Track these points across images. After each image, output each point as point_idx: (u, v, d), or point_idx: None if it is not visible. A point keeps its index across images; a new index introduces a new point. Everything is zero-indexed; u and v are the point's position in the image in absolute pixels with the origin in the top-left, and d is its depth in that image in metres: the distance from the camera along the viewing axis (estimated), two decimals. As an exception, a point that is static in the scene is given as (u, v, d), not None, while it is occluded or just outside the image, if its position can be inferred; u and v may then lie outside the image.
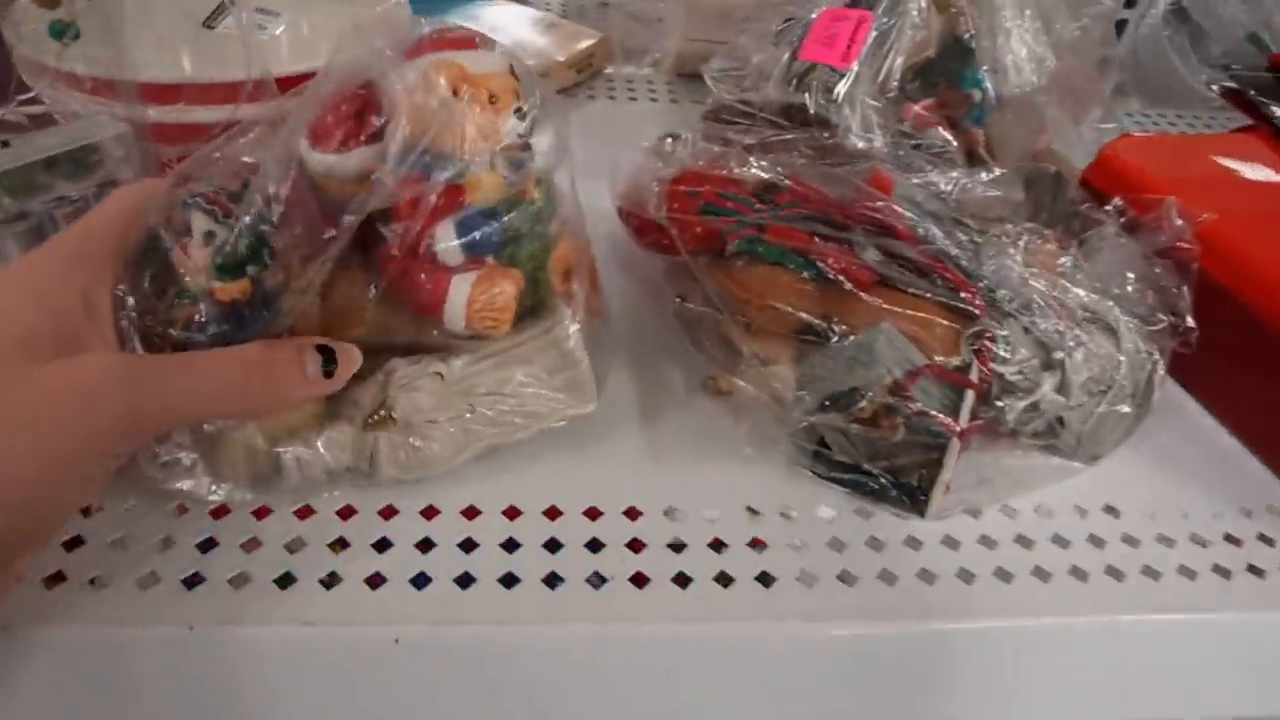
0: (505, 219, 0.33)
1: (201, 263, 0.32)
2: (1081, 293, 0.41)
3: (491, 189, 0.32)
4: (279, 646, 0.31)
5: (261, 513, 0.35)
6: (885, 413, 0.35)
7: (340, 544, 0.34)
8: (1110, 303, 0.40)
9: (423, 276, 0.33)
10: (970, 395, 0.36)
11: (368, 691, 0.32)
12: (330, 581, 0.33)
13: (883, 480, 0.37)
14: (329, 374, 0.32)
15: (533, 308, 0.35)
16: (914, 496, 0.37)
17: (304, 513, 0.35)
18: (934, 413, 0.35)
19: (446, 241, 0.32)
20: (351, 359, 0.33)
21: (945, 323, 0.38)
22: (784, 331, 0.39)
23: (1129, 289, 0.42)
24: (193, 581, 0.32)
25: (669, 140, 0.46)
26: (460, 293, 0.33)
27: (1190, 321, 0.41)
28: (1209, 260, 0.43)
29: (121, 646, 0.31)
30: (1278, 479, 0.42)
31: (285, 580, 0.33)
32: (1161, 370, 0.40)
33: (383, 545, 0.34)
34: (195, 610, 0.31)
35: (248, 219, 0.31)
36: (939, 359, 0.37)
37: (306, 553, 0.34)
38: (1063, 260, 0.43)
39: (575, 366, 0.36)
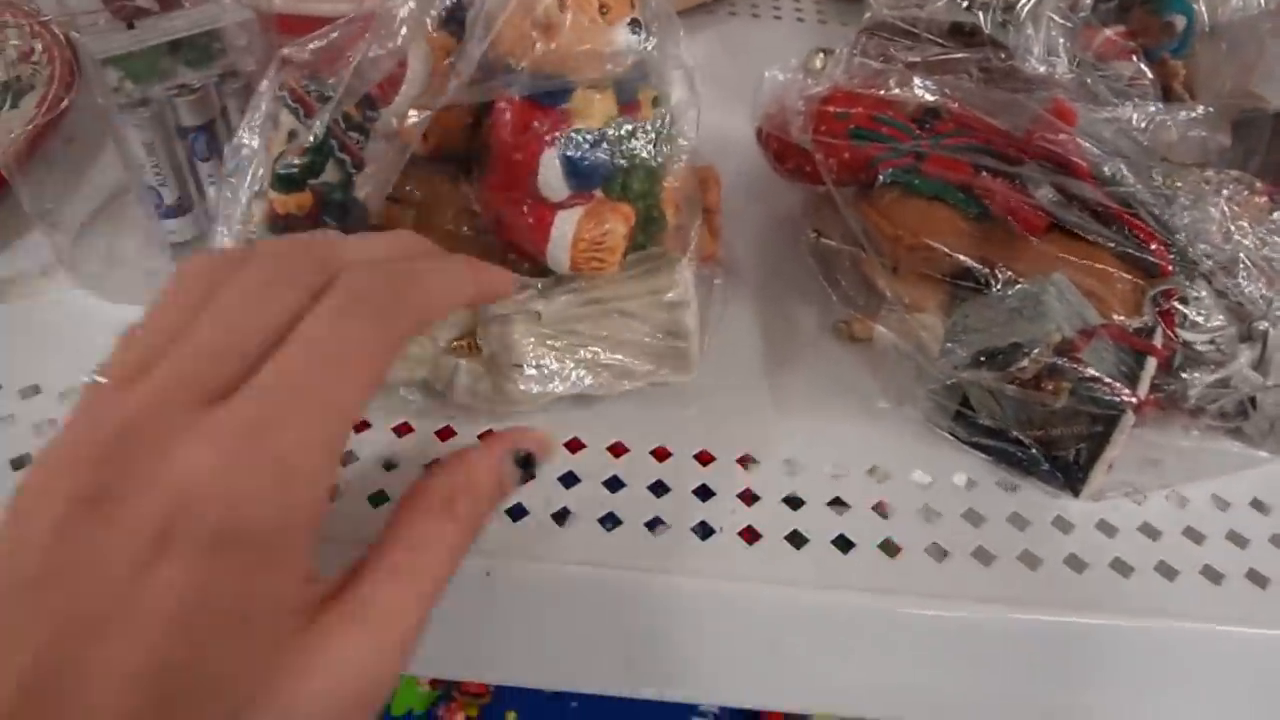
0: (617, 147, 0.29)
1: None
2: (1297, 254, 0.35)
3: (601, 112, 0.29)
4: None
5: (361, 427, 0.33)
6: (1049, 375, 0.30)
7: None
8: (1331, 267, 0.34)
9: (525, 210, 0.30)
10: (1152, 363, 0.31)
11: (457, 624, 0.30)
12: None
13: (1034, 450, 0.33)
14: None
15: (643, 244, 0.32)
16: (1069, 472, 0.33)
17: (402, 429, 0.34)
18: (1108, 379, 0.30)
19: (550, 173, 0.29)
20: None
21: (1129, 278, 0.33)
22: (935, 275, 0.35)
23: (1354, 255, 0.36)
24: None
25: (820, 55, 0.42)
26: (565, 231, 0.29)
27: None
28: None
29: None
30: None
31: (378, 498, 0.31)
32: (1386, 353, 0.34)
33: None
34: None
35: (319, 128, 0.29)
36: (1118, 318, 0.32)
37: (400, 472, 0.32)
38: (1276, 216, 0.36)
39: (683, 337, 0.33)
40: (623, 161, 0.30)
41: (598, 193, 0.30)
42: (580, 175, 0.29)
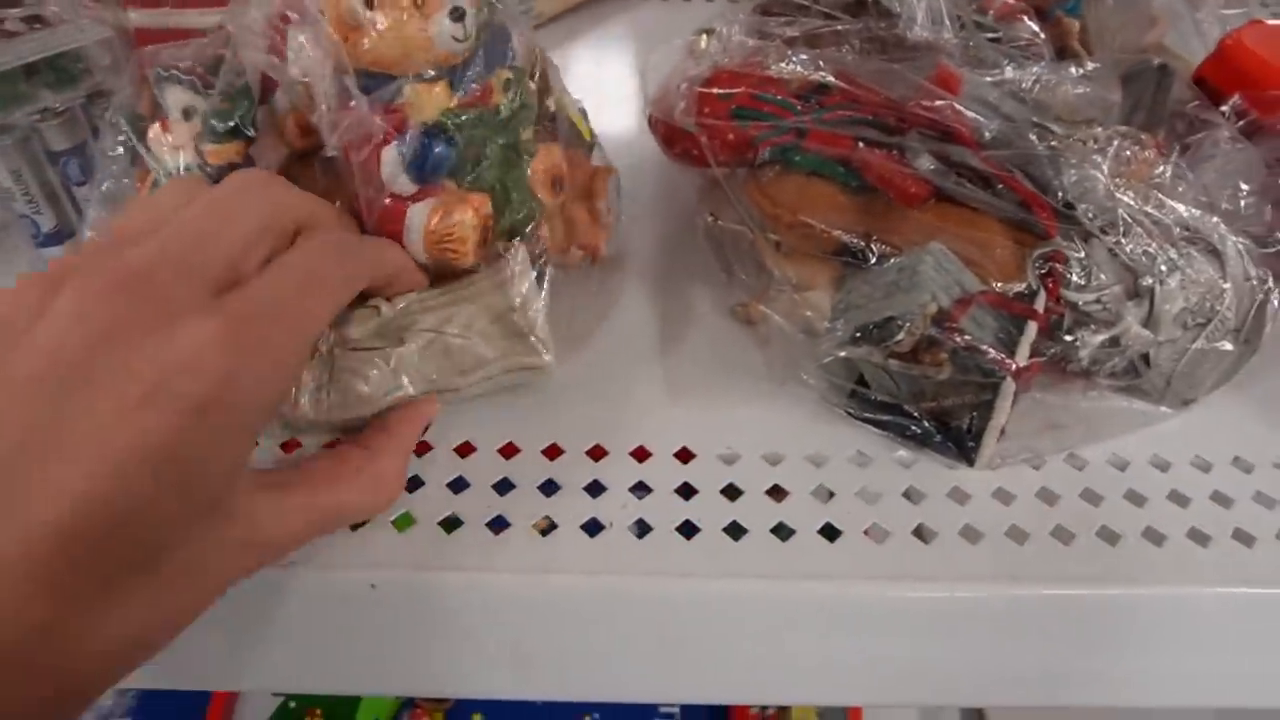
0: (458, 137, 0.29)
1: (185, 136, 0.30)
2: (1181, 208, 0.34)
3: (434, 104, 0.29)
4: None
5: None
6: (928, 346, 0.30)
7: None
8: (1216, 219, 0.34)
9: (385, 206, 0.29)
10: (1032, 327, 0.31)
11: (351, 634, 0.30)
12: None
13: (926, 423, 0.32)
14: None
15: (517, 228, 0.31)
16: (962, 443, 0.32)
17: (291, 446, 0.33)
18: (985, 347, 0.30)
19: (391, 169, 0.29)
20: None
21: (1011, 243, 0.33)
22: (821, 253, 0.35)
23: (1241, 203, 0.35)
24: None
25: (704, 36, 0.41)
26: (416, 224, 0.29)
27: (1317, 242, 0.34)
28: (1346, 169, 0.36)
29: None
30: None
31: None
32: (1277, 301, 0.34)
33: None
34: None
35: (235, 78, 0.29)
36: (999, 285, 0.32)
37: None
38: (1161, 169, 0.36)
39: (523, 319, 0.31)
40: (467, 149, 0.30)
41: (449, 183, 0.30)
42: (420, 169, 0.29)
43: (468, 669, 0.31)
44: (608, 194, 0.37)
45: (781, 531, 0.31)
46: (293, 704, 0.75)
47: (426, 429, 0.32)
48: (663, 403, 0.35)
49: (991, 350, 0.30)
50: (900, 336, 0.30)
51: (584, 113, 0.38)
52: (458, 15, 0.27)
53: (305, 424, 0.31)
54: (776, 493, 0.32)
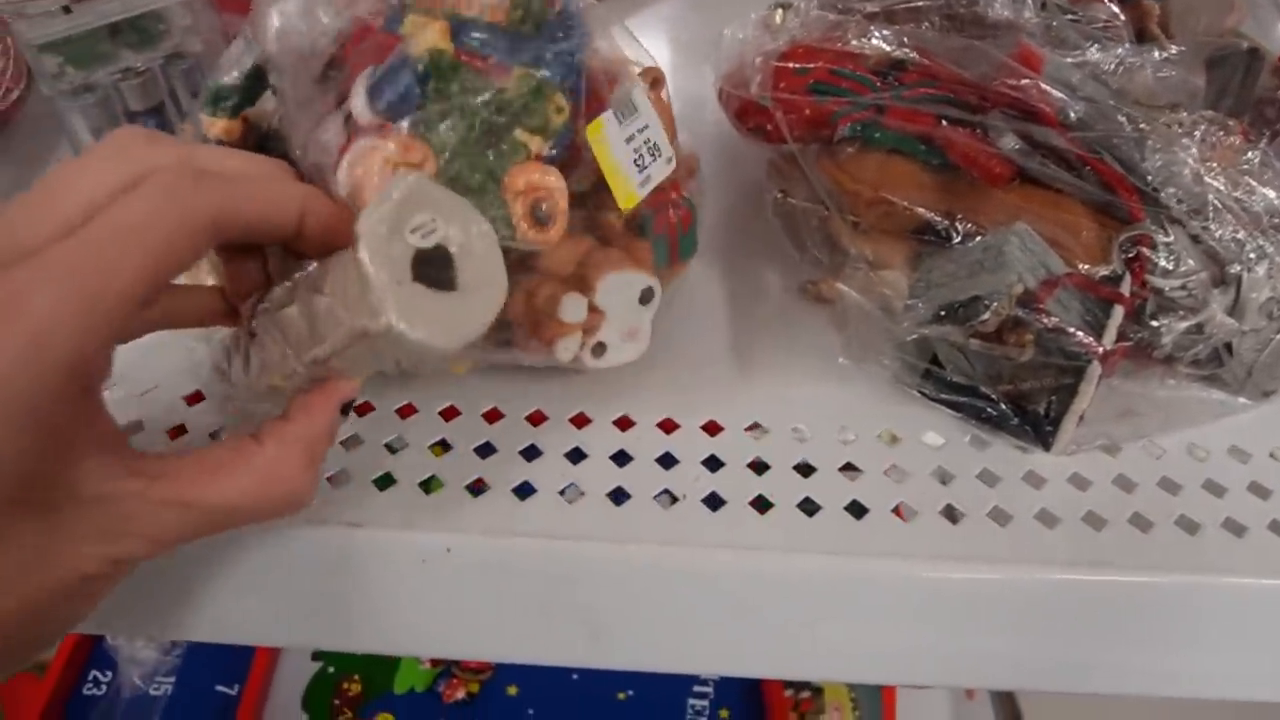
0: (429, 84, 0.27)
1: None
2: (1272, 194, 0.34)
3: (426, 41, 0.27)
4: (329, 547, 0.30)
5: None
6: (1012, 327, 0.30)
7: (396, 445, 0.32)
8: (1307, 207, 0.33)
9: (344, 138, 0.27)
10: (1119, 311, 0.30)
11: (418, 598, 0.30)
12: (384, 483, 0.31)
13: (1003, 406, 0.32)
14: None
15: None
16: (1039, 426, 0.32)
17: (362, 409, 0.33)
18: (1072, 329, 0.29)
19: (357, 92, 0.27)
20: None
21: (1096, 226, 0.33)
22: (899, 231, 0.34)
23: (1333, 191, 0.35)
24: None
25: (779, 10, 0.40)
26: (347, 160, 0.27)
27: None
28: None
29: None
30: None
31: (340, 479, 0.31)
32: (1365, 292, 0.33)
33: (444, 446, 0.32)
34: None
35: (238, 54, 0.29)
36: (1085, 268, 0.31)
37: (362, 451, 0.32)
38: (1249, 156, 0.35)
39: (366, 257, 0.24)
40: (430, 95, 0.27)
41: (405, 129, 0.27)
42: (375, 96, 0.27)
43: (536, 635, 0.31)
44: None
45: (855, 509, 0.31)
46: (331, 669, 0.76)
47: (348, 411, 0.27)
48: (733, 378, 0.35)
49: (1079, 333, 0.29)
50: (986, 316, 0.29)
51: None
52: None
53: (248, 397, 0.29)
54: (849, 471, 0.32)
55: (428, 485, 0.31)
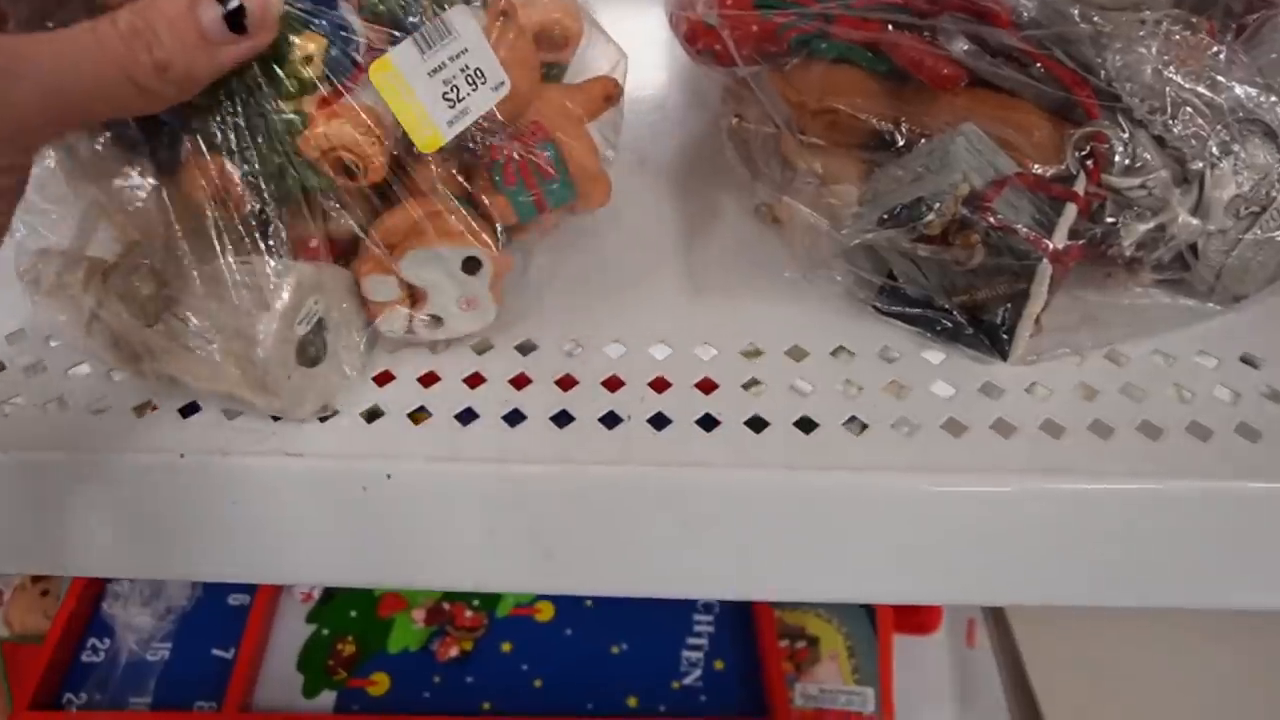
0: None
1: None
2: (1237, 88, 0.32)
3: None
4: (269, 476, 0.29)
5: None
6: (959, 229, 0.29)
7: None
8: (1274, 99, 0.32)
9: None
10: (1071, 209, 0.29)
11: (360, 526, 0.30)
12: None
13: (957, 317, 0.31)
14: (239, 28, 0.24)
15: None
16: (995, 336, 0.31)
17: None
18: (1020, 228, 0.28)
19: None
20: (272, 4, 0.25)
21: (1050, 126, 0.31)
22: (849, 143, 0.33)
23: (1301, 84, 0.33)
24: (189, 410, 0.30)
25: (728, -75, 0.39)
26: None
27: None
28: None
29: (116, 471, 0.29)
30: None
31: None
32: (1337, 187, 0.32)
33: (383, 379, 0.31)
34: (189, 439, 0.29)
35: None
36: (1036, 169, 0.30)
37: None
38: (1215, 53, 0.34)
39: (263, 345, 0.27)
40: None
41: None
42: None
43: (485, 560, 0.30)
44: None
45: (804, 425, 0.30)
46: (325, 631, 0.77)
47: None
48: (684, 299, 0.34)
49: (1026, 231, 0.28)
50: (930, 218, 0.28)
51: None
52: None
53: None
54: (799, 388, 0.31)
55: (370, 415, 0.30)
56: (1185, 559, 0.30)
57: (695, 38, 0.38)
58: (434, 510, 0.29)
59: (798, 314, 0.33)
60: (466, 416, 0.30)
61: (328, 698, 0.73)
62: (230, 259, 0.27)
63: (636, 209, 0.36)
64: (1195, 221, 0.31)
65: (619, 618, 0.80)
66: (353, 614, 0.78)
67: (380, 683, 0.74)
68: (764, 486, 0.29)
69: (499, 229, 0.30)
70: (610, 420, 0.30)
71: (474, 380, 0.31)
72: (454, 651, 0.76)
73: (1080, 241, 0.29)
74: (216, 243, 0.27)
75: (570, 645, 0.77)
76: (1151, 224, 0.31)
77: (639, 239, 0.36)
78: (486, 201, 0.31)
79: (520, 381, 0.31)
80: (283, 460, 0.28)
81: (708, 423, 0.30)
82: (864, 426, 0.30)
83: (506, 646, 0.77)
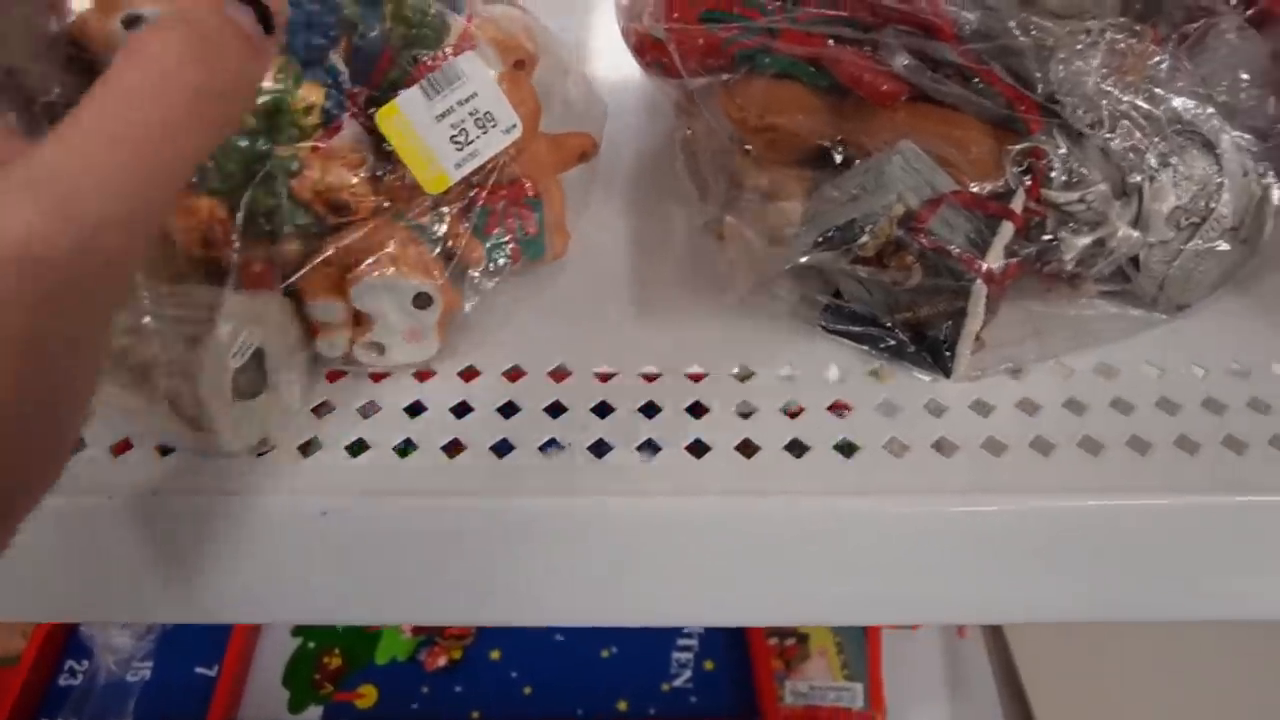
0: None
1: None
2: (1175, 100, 0.32)
3: None
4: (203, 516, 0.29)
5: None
6: (895, 250, 0.28)
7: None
8: (1211, 111, 0.32)
9: None
10: (1007, 227, 0.29)
11: (296, 562, 0.30)
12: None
13: (901, 335, 0.31)
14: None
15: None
16: (938, 353, 0.31)
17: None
18: (953, 249, 0.28)
19: None
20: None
21: (990, 141, 0.31)
22: (792, 159, 0.33)
23: (1242, 95, 0.33)
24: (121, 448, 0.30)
25: (673, -61, 0.39)
26: None
27: (1323, 133, 0.32)
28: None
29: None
30: None
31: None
32: (1277, 197, 0.32)
33: (321, 409, 0.31)
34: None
35: None
36: (975, 186, 0.30)
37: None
38: (1159, 61, 0.34)
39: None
40: None
41: None
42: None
43: (420, 595, 0.30)
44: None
45: (746, 449, 0.30)
46: (311, 644, 0.77)
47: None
48: (630, 323, 0.34)
49: (958, 250, 0.28)
50: (864, 240, 0.28)
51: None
52: None
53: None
54: (745, 410, 0.31)
55: (307, 449, 0.30)
56: (1128, 572, 0.30)
57: (644, 50, 0.38)
58: (371, 545, 0.29)
59: (744, 334, 0.33)
60: (406, 447, 0.30)
61: (314, 712, 0.73)
62: (163, 289, 0.27)
63: (588, 225, 0.36)
64: (1135, 234, 0.31)
65: (607, 621, 0.80)
66: (339, 626, 0.78)
67: (368, 695, 0.75)
68: (704, 513, 0.29)
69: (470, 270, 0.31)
70: (550, 448, 0.30)
71: (414, 409, 0.31)
72: (442, 661, 0.76)
73: (1016, 259, 0.29)
74: (158, 273, 0.27)
75: (560, 650, 0.77)
76: (1090, 238, 0.31)
77: (588, 258, 0.36)
78: (462, 245, 0.31)
79: (461, 409, 0.31)
80: (216, 500, 0.28)
81: (650, 448, 0.30)
82: (804, 449, 0.29)
83: (495, 654, 0.77)
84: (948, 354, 0.31)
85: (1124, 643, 0.74)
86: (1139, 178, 0.31)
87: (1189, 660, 0.72)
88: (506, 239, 0.32)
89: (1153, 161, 0.31)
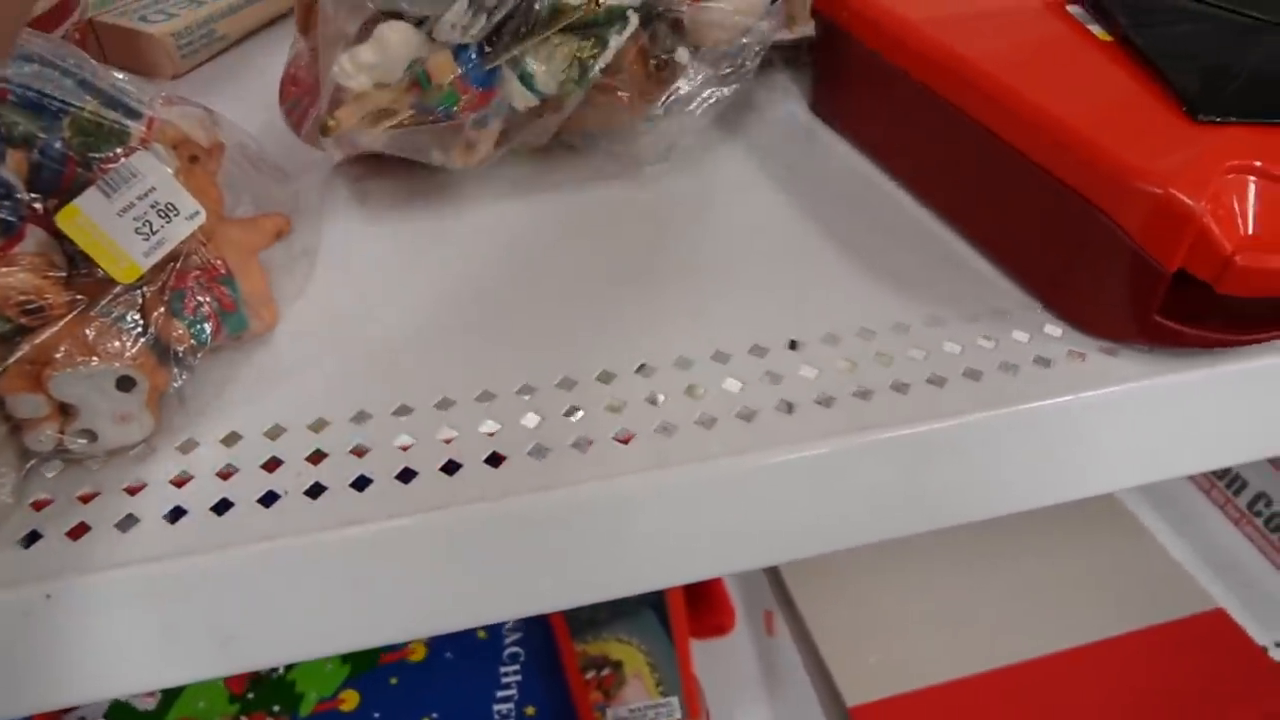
0: None
1: None
2: None
3: None
4: None
5: None
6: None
7: None
8: None
9: None
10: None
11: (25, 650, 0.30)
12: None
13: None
14: None
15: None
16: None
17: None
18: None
19: None
20: None
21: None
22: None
23: None
24: None
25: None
26: None
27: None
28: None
29: None
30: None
31: None
32: None
33: (41, 505, 0.32)
34: None
35: None
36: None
37: None
38: None
39: None
40: None
41: None
42: None
43: (163, 659, 0.32)
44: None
45: (450, 468, 0.33)
46: None
47: None
48: (334, 366, 0.37)
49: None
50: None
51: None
52: None
53: None
54: (446, 435, 0.35)
55: (29, 540, 0.31)
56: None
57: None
58: (102, 620, 0.30)
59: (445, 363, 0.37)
60: (128, 523, 0.32)
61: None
62: None
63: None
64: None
65: (425, 689, 0.81)
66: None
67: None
68: (412, 531, 0.32)
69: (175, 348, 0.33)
70: (269, 499, 0.32)
71: (135, 489, 0.33)
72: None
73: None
74: None
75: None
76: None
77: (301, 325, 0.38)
78: (161, 327, 0.33)
79: (181, 481, 0.33)
80: None
81: (361, 483, 0.33)
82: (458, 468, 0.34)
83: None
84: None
85: (903, 594, 0.82)
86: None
87: (957, 591, 0.81)
88: (206, 316, 0.34)
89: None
